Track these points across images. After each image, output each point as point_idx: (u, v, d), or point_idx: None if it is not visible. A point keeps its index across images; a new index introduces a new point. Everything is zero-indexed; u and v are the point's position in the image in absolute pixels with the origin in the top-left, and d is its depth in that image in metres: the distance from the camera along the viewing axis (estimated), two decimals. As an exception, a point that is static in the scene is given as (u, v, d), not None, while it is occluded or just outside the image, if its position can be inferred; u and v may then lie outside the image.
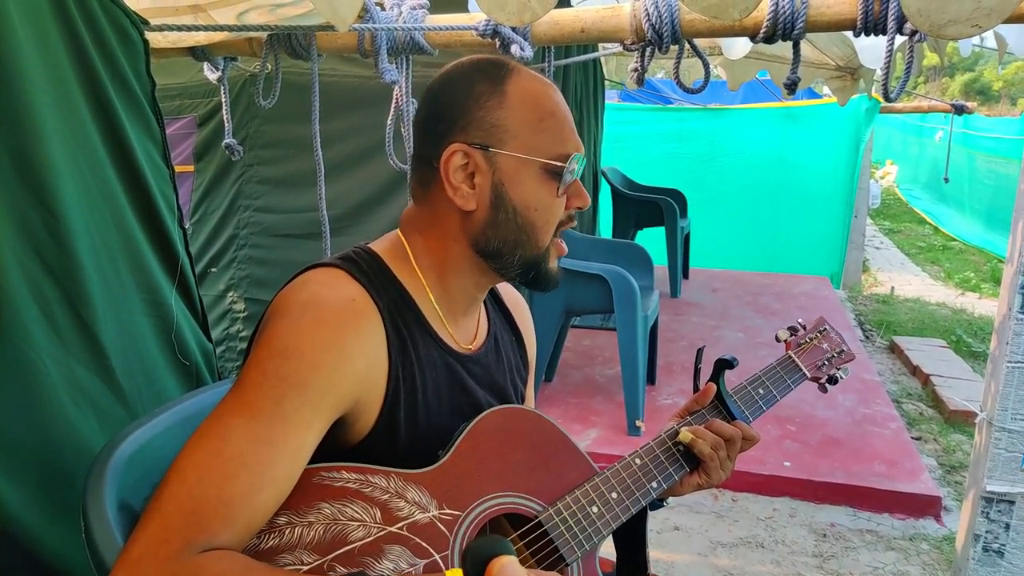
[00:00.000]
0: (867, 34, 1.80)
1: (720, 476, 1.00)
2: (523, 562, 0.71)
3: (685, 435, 0.99)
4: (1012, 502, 1.86)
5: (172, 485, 0.69)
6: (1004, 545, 1.88)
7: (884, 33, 1.78)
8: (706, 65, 2.08)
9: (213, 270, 3.20)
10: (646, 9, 1.82)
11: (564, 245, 0.93)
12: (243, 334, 3.21)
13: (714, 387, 1.05)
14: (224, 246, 3.19)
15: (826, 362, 1.18)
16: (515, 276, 0.92)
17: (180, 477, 0.70)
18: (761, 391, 1.10)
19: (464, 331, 0.97)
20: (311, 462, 0.77)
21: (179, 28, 1.54)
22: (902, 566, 2.31)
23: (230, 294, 3.20)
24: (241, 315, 3.20)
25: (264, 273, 3.16)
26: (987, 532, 1.89)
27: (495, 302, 1.08)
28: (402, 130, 2.06)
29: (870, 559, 2.34)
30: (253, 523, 0.71)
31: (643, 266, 3.53)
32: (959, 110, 6.05)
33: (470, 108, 0.87)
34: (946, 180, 5.95)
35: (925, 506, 2.59)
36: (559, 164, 0.87)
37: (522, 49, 1.87)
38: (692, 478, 1.01)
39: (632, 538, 0.98)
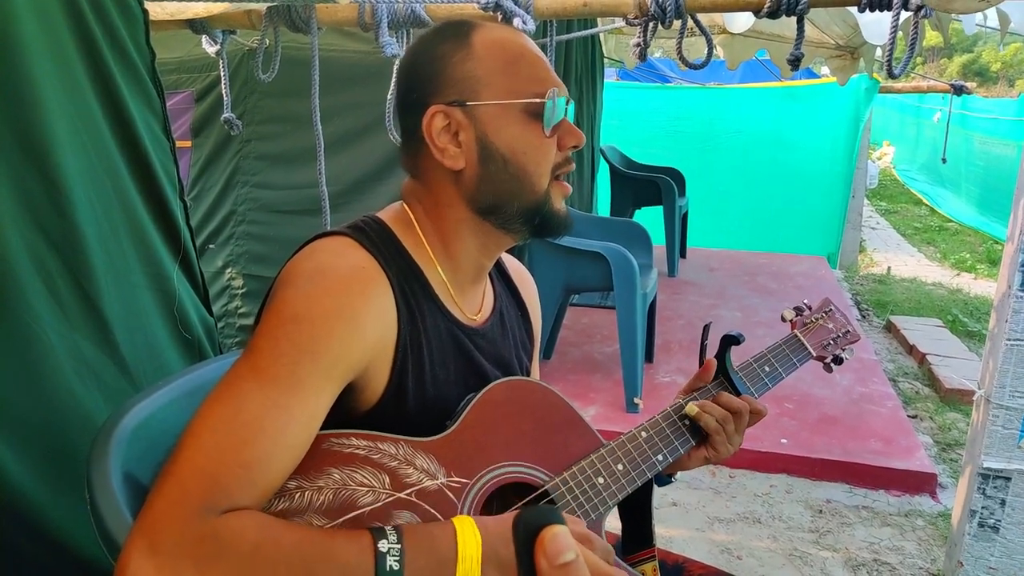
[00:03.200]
0: (872, 9, 1.79)
1: (728, 450, 1.01)
2: None
3: (691, 408, 0.99)
4: (1008, 478, 1.88)
5: (188, 450, 0.69)
6: (1000, 521, 1.91)
7: (889, 8, 1.77)
8: (709, 40, 2.07)
9: (211, 246, 3.19)
10: (651, -18, 1.80)
11: (568, 186, 0.92)
12: (242, 310, 3.20)
13: (715, 363, 1.05)
14: (222, 222, 3.17)
15: (831, 342, 1.18)
16: (520, 228, 0.90)
17: (196, 442, 0.70)
18: (767, 368, 1.10)
19: (471, 303, 0.96)
20: (320, 429, 0.77)
21: (178, -2, 1.52)
22: (897, 542, 2.33)
23: (228, 270, 3.19)
24: (240, 291, 3.19)
25: (262, 249, 3.15)
26: (983, 508, 1.91)
27: (501, 276, 1.08)
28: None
29: (866, 535, 2.36)
30: (269, 487, 0.72)
31: (642, 244, 3.53)
32: (958, 90, 6.03)
33: (440, 69, 0.86)
34: (944, 161, 5.94)
35: (921, 483, 2.62)
36: (537, 101, 0.86)
37: (524, 23, 1.86)
38: (699, 452, 1.01)
39: (637, 511, 0.99)
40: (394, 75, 1.98)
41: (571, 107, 0.90)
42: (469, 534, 0.71)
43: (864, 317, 4.80)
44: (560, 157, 0.90)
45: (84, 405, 1.18)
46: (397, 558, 0.68)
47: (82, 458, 0.91)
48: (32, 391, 1.10)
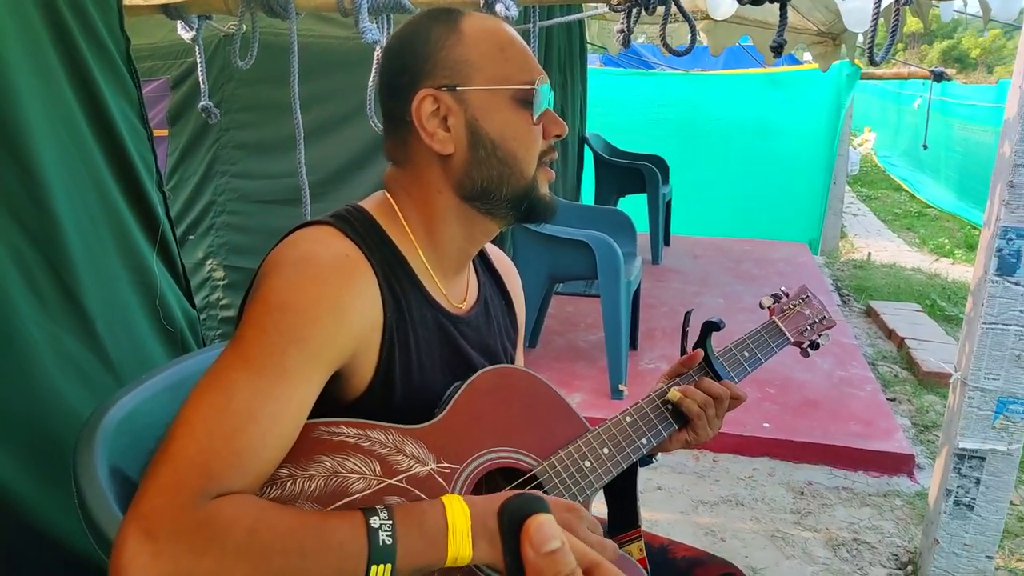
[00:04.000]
0: (853, -4, 1.79)
1: (708, 434, 1.03)
2: None
3: (674, 394, 1.01)
4: (983, 458, 1.92)
5: (180, 439, 0.69)
6: (974, 499, 1.95)
7: (870, -5, 1.78)
8: (692, 27, 2.07)
9: (191, 237, 3.15)
10: (633, -31, 1.80)
11: (552, 172, 0.93)
12: (223, 302, 3.18)
13: (701, 353, 1.07)
14: (201, 213, 3.13)
15: (808, 327, 1.20)
16: (507, 213, 0.91)
17: (188, 431, 0.70)
18: (746, 353, 1.12)
19: (455, 291, 0.97)
20: (309, 418, 0.77)
21: (154, -16, 1.49)
22: (876, 521, 2.38)
23: (209, 262, 3.16)
24: (221, 283, 3.17)
25: (243, 240, 3.12)
26: (958, 487, 1.95)
27: (485, 266, 1.08)
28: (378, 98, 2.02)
29: (846, 515, 2.41)
30: (260, 473, 0.72)
31: (626, 232, 3.54)
32: (938, 76, 6.09)
33: (431, 53, 0.86)
34: (925, 147, 6.00)
35: (899, 464, 2.67)
36: (528, 88, 0.87)
37: (507, 8, 1.85)
38: (680, 435, 1.03)
39: (623, 494, 1.00)
40: (377, 59, 1.97)
41: (552, 96, 0.91)
42: (458, 509, 0.73)
43: (844, 302, 4.86)
44: (545, 145, 0.91)
45: (67, 399, 1.17)
46: (389, 533, 0.69)
47: (67, 452, 0.91)
48: (14, 385, 1.09)
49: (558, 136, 0.91)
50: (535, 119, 0.88)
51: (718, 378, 1.05)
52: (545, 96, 0.89)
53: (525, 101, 0.87)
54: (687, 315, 1.11)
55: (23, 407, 1.12)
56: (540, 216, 0.92)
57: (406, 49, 0.89)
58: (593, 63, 6.98)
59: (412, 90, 0.86)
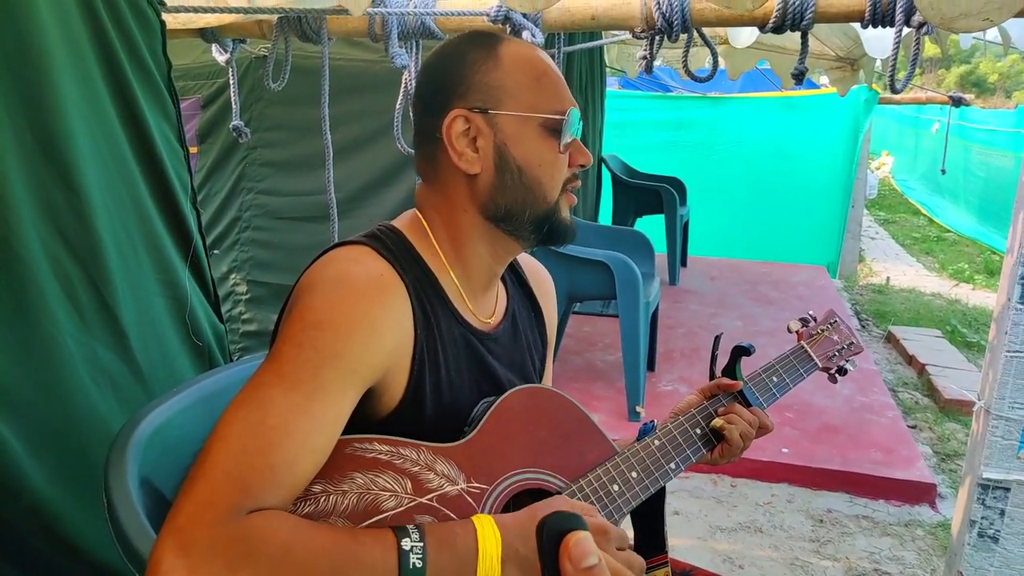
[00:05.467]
0: (875, 26, 1.81)
1: (731, 459, 1.04)
2: None
3: (717, 421, 1.03)
4: (1008, 489, 1.90)
5: (216, 454, 0.71)
6: (999, 531, 1.92)
7: (892, 25, 1.80)
8: (714, 53, 2.09)
9: (215, 252, 3.20)
10: (658, -3, 1.83)
11: (574, 197, 0.95)
12: (245, 316, 3.21)
13: (740, 385, 1.08)
14: (227, 228, 3.19)
15: (836, 353, 1.20)
16: (530, 236, 0.93)
17: (224, 446, 0.71)
18: (775, 379, 1.12)
19: (483, 308, 0.98)
20: (341, 434, 0.79)
21: (193, 10, 1.54)
22: (897, 551, 2.35)
23: (232, 276, 3.20)
24: (244, 297, 3.21)
25: (267, 256, 3.16)
26: (983, 518, 1.93)
27: (515, 277, 1.09)
28: (411, 114, 2.06)
29: (866, 544, 2.38)
30: (294, 489, 0.73)
31: (644, 253, 3.55)
32: (956, 102, 6.07)
33: (467, 75, 0.89)
34: (943, 172, 5.97)
35: (920, 493, 2.63)
36: (558, 118, 0.89)
37: (533, 35, 1.88)
38: (705, 457, 1.04)
39: (651, 519, 1.00)
40: (404, 83, 2.01)
41: (580, 126, 0.93)
42: (489, 532, 0.74)
43: (864, 327, 4.82)
44: (569, 173, 0.93)
45: (100, 411, 1.19)
46: (420, 556, 0.71)
47: (98, 463, 0.93)
48: (50, 396, 1.12)
49: (583, 166, 0.93)
50: (562, 148, 0.90)
51: (747, 404, 1.06)
52: (574, 126, 0.91)
53: (553, 130, 0.89)
54: (717, 338, 1.12)
55: (57, 417, 1.14)
56: (560, 239, 0.94)
57: (444, 68, 0.91)
58: (612, 85, 7.03)
59: (445, 109, 0.89)
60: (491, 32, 0.93)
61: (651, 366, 3.53)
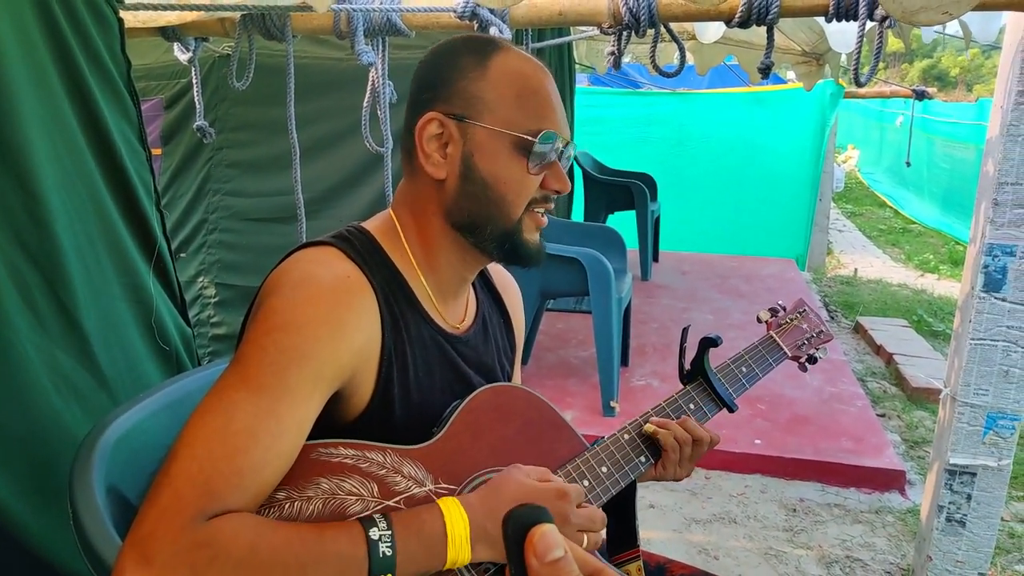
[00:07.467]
0: (839, 19, 1.84)
1: (676, 472, 1.01)
2: None
3: (649, 427, 1.00)
4: (974, 474, 1.94)
5: (181, 460, 0.69)
6: (966, 516, 1.96)
7: (855, 19, 1.82)
8: (681, 49, 2.10)
9: (182, 255, 3.14)
10: (624, -8, 1.83)
11: (543, 218, 0.93)
12: (214, 319, 3.16)
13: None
14: (193, 231, 3.13)
15: (806, 342, 1.21)
16: (493, 251, 0.91)
17: (189, 452, 0.70)
18: (744, 369, 1.13)
19: (454, 311, 0.98)
20: (308, 440, 0.77)
21: (153, 7, 1.51)
22: (868, 538, 2.39)
23: (200, 279, 3.15)
24: (212, 300, 3.15)
25: (235, 258, 3.11)
26: (950, 503, 1.97)
27: (485, 284, 1.09)
28: (378, 112, 2.04)
29: (838, 532, 2.42)
30: (260, 493, 0.72)
31: (617, 249, 3.56)
32: (920, 95, 6.19)
33: (453, 79, 0.88)
34: (908, 164, 6.09)
35: (890, 480, 2.68)
36: (530, 139, 0.87)
37: (500, 32, 1.87)
38: (650, 470, 1.02)
39: (622, 513, 1.01)
40: (371, 80, 1.99)
41: (568, 149, 0.91)
42: (456, 514, 0.75)
43: (833, 318, 4.90)
44: (539, 194, 0.91)
45: (63, 418, 1.16)
46: (389, 544, 0.71)
47: (63, 471, 0.91)
48: (10, 404, 1.09)
49: (556, 192, 0.91)
50: (531, 168, 0.88)
51: (716, 394, 1.07)
52: (552, 151, 0.88)
53: (525, 149, 0.87)
54: (684, 331, 1.12)
55: (18, 425, 1.11)
56: (523, 261, 0.92)
57: (434, 68, 0.90)
58: (581, 82, 7.06)
59: (426, 108, 0.88)
60: (491, 39, 0.91)
61: (624, 361, 3.55)
